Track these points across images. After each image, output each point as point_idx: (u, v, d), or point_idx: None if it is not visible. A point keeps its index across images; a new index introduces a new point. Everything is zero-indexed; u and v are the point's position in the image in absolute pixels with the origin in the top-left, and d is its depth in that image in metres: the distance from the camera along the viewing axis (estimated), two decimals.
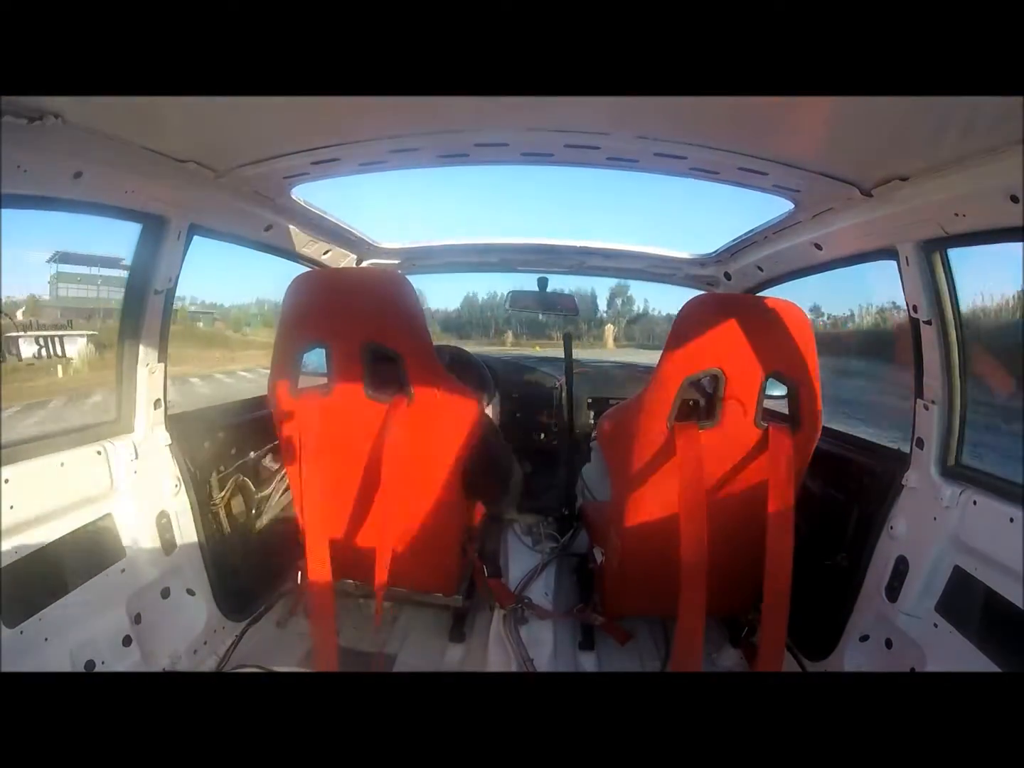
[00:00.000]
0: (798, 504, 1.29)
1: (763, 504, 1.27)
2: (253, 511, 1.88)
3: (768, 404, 1.32)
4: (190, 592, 1.59)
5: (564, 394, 2.36)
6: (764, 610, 1.28)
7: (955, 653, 1.20)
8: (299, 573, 1.58)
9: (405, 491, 1.40)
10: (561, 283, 3.16)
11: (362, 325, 1.31)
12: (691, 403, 1.38)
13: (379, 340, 1.31)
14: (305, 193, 1.68)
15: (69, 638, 1.23)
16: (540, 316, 2.63)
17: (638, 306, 12.96)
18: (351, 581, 1.68)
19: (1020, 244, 1.10)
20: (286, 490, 1.90)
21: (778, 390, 1.33)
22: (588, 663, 1.74)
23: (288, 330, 1.37)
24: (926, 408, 1.39)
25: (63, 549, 1.26)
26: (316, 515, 1.38)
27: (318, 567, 1.36)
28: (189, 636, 1.55)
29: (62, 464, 1.28)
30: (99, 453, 1.38)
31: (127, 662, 1.33)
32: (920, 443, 1.41)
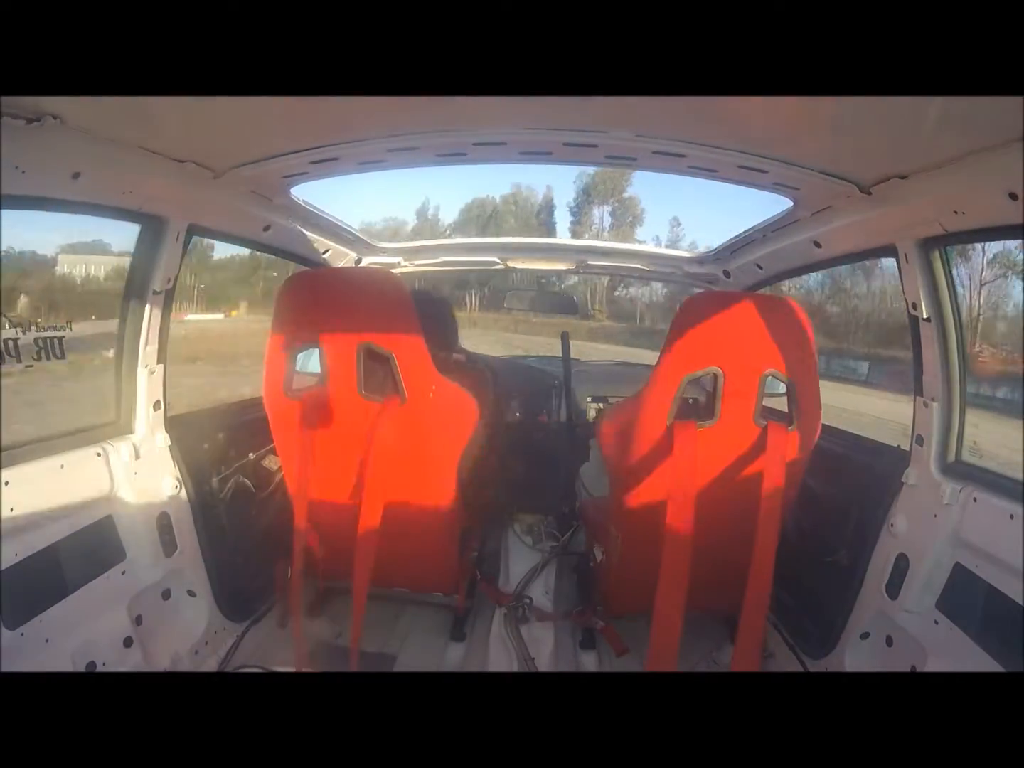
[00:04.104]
0: (798, 502, 1.29)
1: (761, 501, 1.26)
2: (253, 512, 1.88)
3: (769, 402, 1.32)
4: (191, 593, 1.59)
5: (563, 393, 2.36)
6: (744, 608, 1.25)
7: (956, 650, 1.20)
8: (287, 572, 1.59)
9: (400, 491, 1.40)
10: None
11: (356, 325, 1.31)
12: (690, 401, 1.38)
13: (372, 340, 1.31)
14: (304, 192, 1.68)
15: (70, 640, 1.23)
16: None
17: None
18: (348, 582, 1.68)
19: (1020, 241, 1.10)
20: (286, 490, 1.90)
21: (779, 387, 1.33)
22: (589, 662, 1.74)
23: (282, 330, 1.37)
24: (925, 405, 1.39)
25: (63, 551, 1.26)
26: (302, 514, 1.38)
27: (301, 567, 1.36)
28: (190, 637, 1.55)
29: (62, 466, 1.28)
30: (99, 455, 1.38)
31: (128, 663, 1.33)
32: (920, 440, 1.41)
